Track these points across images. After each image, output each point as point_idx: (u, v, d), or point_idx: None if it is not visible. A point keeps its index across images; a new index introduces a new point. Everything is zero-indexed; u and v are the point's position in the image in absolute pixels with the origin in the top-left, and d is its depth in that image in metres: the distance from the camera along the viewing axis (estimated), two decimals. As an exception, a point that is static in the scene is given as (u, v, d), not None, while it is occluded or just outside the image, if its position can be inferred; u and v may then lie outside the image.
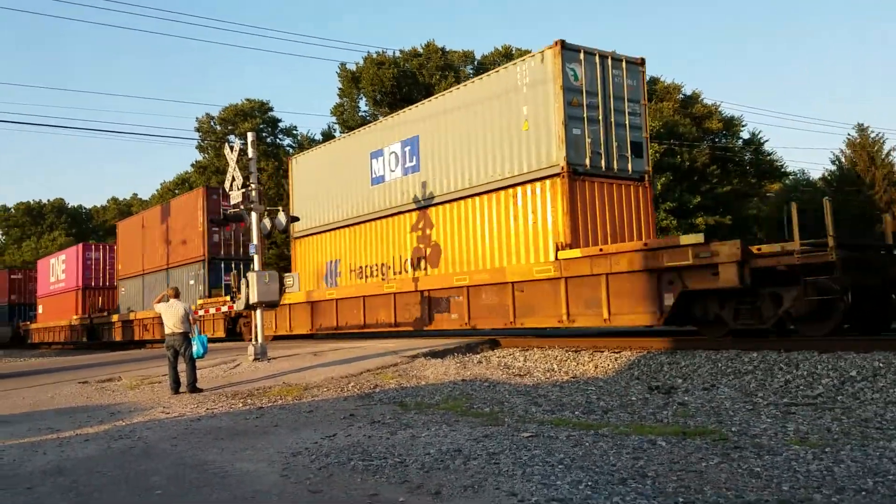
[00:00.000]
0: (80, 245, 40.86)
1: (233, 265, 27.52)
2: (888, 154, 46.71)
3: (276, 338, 22.16)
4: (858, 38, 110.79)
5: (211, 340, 17.93)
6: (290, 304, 21.88)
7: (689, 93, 45.49)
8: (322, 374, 12.21)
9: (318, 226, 22.44)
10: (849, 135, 50.64)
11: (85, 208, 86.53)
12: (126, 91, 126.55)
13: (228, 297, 23.32)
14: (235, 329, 25.37)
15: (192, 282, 28.85)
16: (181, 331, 11.49)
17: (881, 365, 8.81)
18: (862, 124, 48.20)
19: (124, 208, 78.24)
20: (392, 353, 13.78)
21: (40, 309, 45.43)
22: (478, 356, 13.70)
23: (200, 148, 54.55)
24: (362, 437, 6.79)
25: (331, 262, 21.91)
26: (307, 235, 23.05)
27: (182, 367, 11.53)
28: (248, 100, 53.59)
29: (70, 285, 40.06)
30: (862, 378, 8.55)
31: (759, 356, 10.34)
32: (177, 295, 11.90)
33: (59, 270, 42.09)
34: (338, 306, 20.45)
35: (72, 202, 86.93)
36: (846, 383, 8.47)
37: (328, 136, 53.77)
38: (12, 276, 50.57)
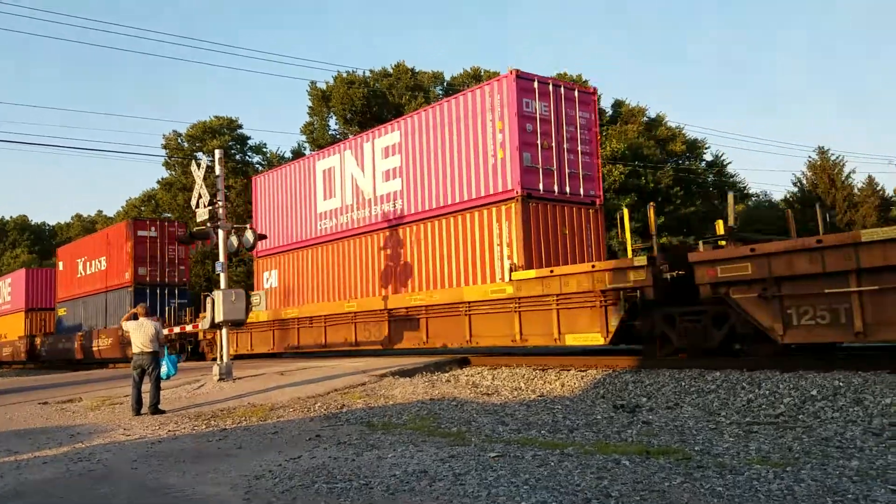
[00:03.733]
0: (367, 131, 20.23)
1: None
2: (848, 176, 48.01)
3: (238, 357, 21.87)
4: (817, 66, 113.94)
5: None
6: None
7: (653, 115, 46.39)
8: (288, 394, 12.09)
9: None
10: (809, 157, 52.00)
11: (49, 225, 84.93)
12: (93, 108, 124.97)
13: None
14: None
15: None
16: (150, 350, 11.32)
17: (841, 384, 8.96)
18: (822, 147, 49.54)
19: (89, 225, 76.94)
20: (360, 373, 13.69)
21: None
22: (446, 375, 13.66)
23: (167, 165, 53.97)
24: (327, 458, 6.73)
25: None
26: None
27: (146, 387, 11.34)
28: (216, 117, 53.17)
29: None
30: (822, 397, 8.68)
31: (723, 375, 10.45)
32: (147, 314, 11.72)
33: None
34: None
35: (35, 219, 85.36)
36: (807, 402, 8.60)
37: (298, 154, 53.58)
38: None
